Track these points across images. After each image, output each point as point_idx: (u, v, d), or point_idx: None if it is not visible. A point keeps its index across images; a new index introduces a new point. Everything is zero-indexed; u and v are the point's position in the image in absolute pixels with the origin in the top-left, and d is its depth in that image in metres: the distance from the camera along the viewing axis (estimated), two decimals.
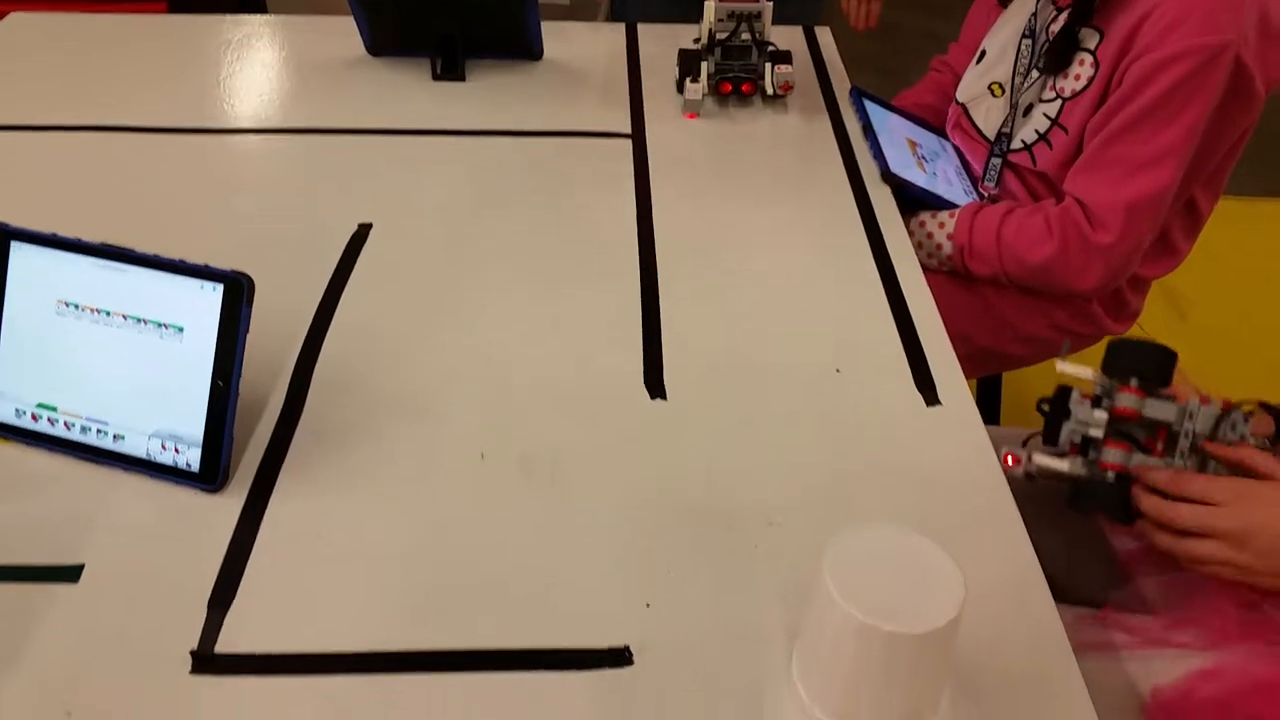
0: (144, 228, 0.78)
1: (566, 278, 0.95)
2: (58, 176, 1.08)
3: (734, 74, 1.20)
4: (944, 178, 1.16)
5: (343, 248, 0.97)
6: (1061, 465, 0.79)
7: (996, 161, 1.15)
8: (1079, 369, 0.81)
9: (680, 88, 1.23)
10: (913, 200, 1.12)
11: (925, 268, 1.09)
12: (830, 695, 0.57)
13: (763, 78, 1.21)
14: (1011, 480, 0.76)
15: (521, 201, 1.05)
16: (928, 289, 0.94)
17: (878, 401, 0.82)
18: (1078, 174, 1.06)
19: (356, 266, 0.95)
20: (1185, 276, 2.22)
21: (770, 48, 1.21)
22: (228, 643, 0.64)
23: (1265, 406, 0.77)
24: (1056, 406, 0.79)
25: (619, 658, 0.63)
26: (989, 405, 1.42)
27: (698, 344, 0.88)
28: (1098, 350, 0.83)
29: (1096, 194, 1.04)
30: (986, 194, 1.17)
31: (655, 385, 0.83)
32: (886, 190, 1.09)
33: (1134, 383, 0.78)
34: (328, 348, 0.87)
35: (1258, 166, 2.46)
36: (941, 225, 1.13)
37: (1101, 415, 0.77)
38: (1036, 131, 1.11)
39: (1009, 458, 0.79)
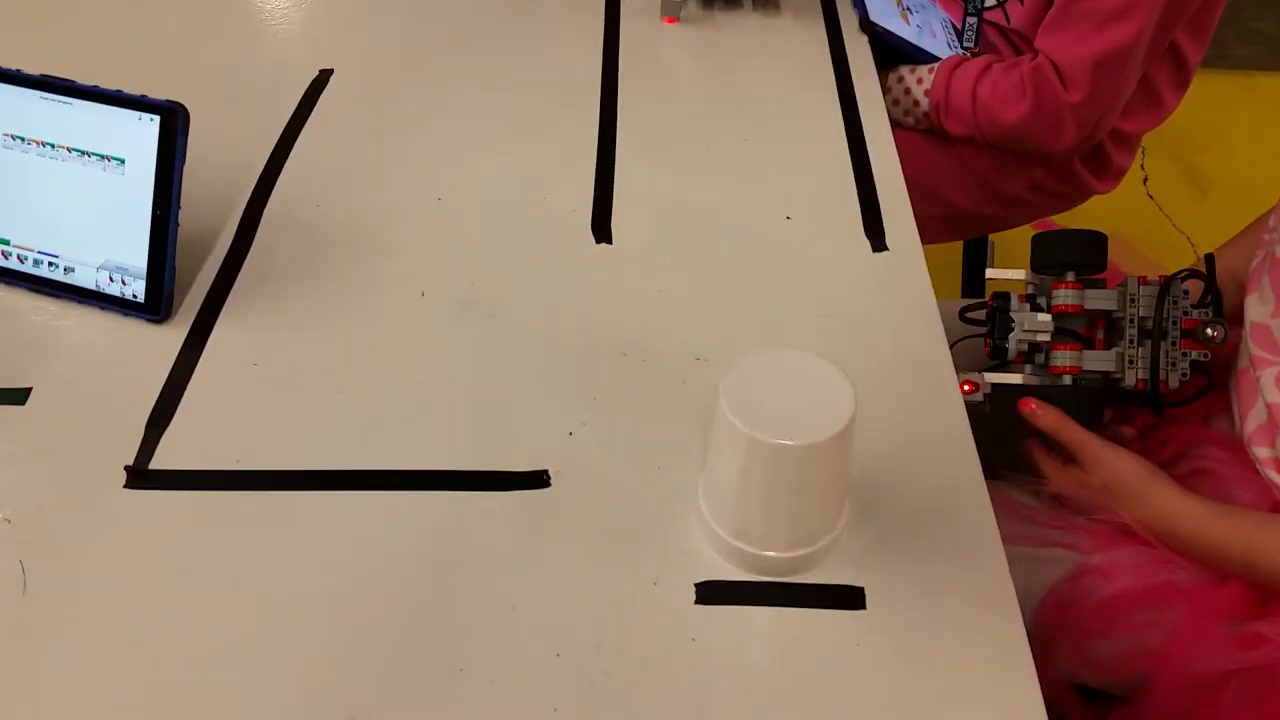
0: (97, 72, 0.77)
1: (526, 123, 0.94)
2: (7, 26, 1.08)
3: None
4: (928, 30, 1.13)
5: (302, 92, 0.97)
6: (1014, 378, 0.78)
7: (973, 20, 1.12)
8: (1008, 272, 0.80)
9: None
10: (892, 53, 1.09)
11: (901, 125, 1.07)
12: (727, 511, 0.58)
13: None
14: (971, 408, 0.73)
15: (487, 48, 1.04)
16: (892, 140, 0.92)
17: (824, 247, 0.82)
18: (1046, 31, 1.03)
19: (315, 110, 0.95)
20: (1206, 154, 2.17)
21: None
22: (163, 460, 0.66)
23: (1195, 274, 0.76)
24: (995, 318, 0.77)
25: (537, 480, 0.65)
26: (976, 267, 1.40)
27: (649, 191, 0.87)
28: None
29: (1064, 51, 1.01)
30: (969, 53, 1.14)
31: (602, 230, 0.83)
32: (863, 40, 1.06)
33: (1069, 276, 0.77)
34: (280, 187, 0.87)
35: None
36: (919, 81, 1.10)
37: (1047, 319, 0.76)
38: None
39: (965, 385, 0.77)
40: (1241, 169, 2.07)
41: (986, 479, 0.66)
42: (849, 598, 0.59)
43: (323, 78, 0.99)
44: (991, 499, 0.65)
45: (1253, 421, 0.71)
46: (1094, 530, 0.70)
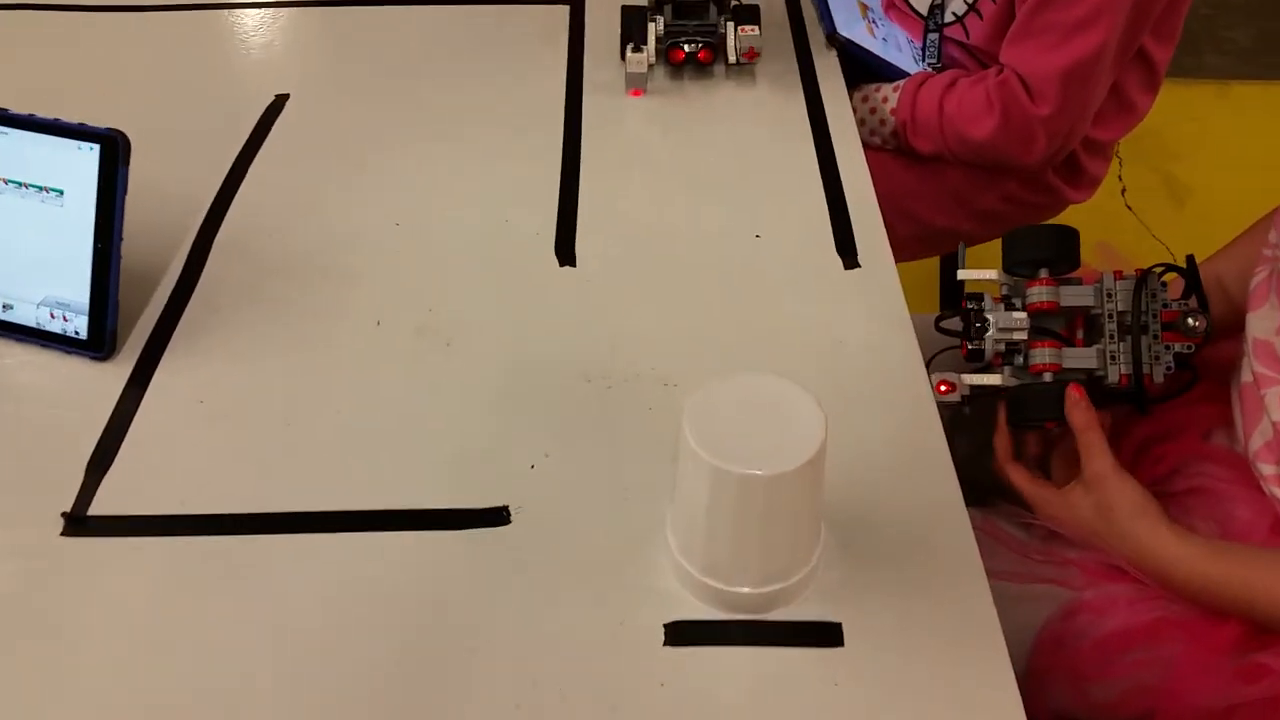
0: (39, 103, 0.74)
1: (488, 145, 0.91)
2: None
3: (688, 38, 0.96)
4: (894, 43, 1.11)
5: (257, 118, 0.94)
6: (994, 380, 0.76)
7: (934, 36, 1.10)
8: (980, 272, 0.77)
9: (623, 55, 0.97)
10: (859, 68, 1.06)
11: (868, 145, 1.05)
12: (695, 546, 0.55)
13: (724, 43, 0.98)
14: (946, 412, 0.71)
15: (449, 73, 1.01)
16: (862, 155, 0.90)
17: (795, 266, 0.79)
18: (1011, 44, 1.01)
19: (270, 137, 0.92)
20: (1182, 163, 2.17)
21: (733, 2, 0.99)
22: (103, 505, 0.63)
23: (1172, 268, 0.73)
24: (970, 319, 0.75)
25: (497, 517, 0.62)
26: (953, 279, 1.37)
27: (614, 213, 0.84)
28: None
29: (1030, 63, 0.99)
30: (933, 69, 1.12)
31: (566, 252, 0.80)
32: (832, 57, 1.03)
33: (1043, 273, 0.74)
34: (232, 216, 0.84)
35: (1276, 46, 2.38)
36: (885, 100, 1.08)
37: (1022, 316, 0.73)
38: (966, 2, 1.05)
39: (941, 386, 0.75)
40: (1217, 177, 2.06)
41: (972, 505, 0.64)
42: (826, 635, 0.56)
43: (278, 103, 0.96)
44: (978, 528, 0.62)
45: (1259, 439, 0.68)
46: (1085, 564, 0.67)
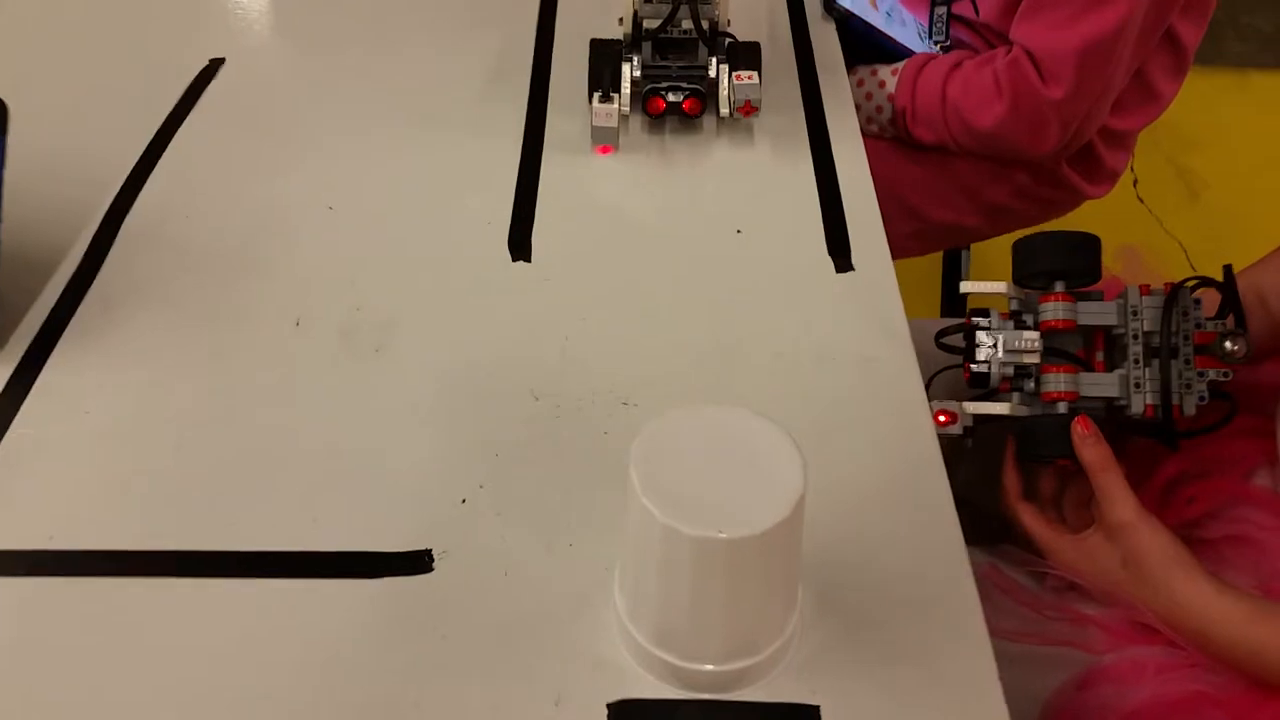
0: None
1: (440, 120, 0.81)
2: None
3: (671, 84, 0.77)
4: (899, 18, 1.01)
5: (185, 85, 0.84)
6: (1000, 409, 0.66)
7: (942, 11, 1.00)
8: (987, 285, 0.68)
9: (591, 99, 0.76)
10: (859, 45, 0.96)
11: (864, 133, 0.96)
12: (646, 613, 0.46)
13: (715, 90, 0.78)
14: (946, 441, 0.61)
15: (403, 42, 0.91)
16: (861, 144, 0.80)
17: (780, 267, 0.70)
18: (1022, 19, 0.91)
19: (197, 106, 0.82)
20: (1200, 155, 2.07)
21: (728, 40, 0.79)
22: None
23: (1207, 282, 0.64)
24: (974, 339, 0.66)
25: (418, 562, 0.52)
26: (954, 280, 1.28)
27: (576, 202, 0.74)
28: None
29: (1042, 41, 0.89)
30: (939, 48, 1.02)
31: (520, 244, 0.71)
32: (828, 30, 0.93)
33: (1058, 287, 0.65)
34: (146, 196, 0.74)
35: None
36: (882, 85, 0.98)
37: (1034, 336, 0.64)
38: None
39: (941, 416, 0.65)
40: (1234, 170, 1.97)
41: (974, 547, 0.54)
42: (801, 718, 0.47)
43: (211, 68, 0.86)
44: (982, 577, 0.53)
45: None
46: (1107, 623, 0.58)
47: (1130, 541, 0.57)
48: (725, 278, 0.69)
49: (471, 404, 0.60)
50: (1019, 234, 0.68)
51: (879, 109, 0.99)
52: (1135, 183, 1.91)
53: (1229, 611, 0.54)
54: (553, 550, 0.53)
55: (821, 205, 0.74)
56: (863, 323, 0.65)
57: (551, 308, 0.66)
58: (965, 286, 0.68)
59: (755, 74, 0.76)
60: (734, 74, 0.76)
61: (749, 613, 0.44)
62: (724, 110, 0.77)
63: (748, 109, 0.76)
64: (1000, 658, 0.49)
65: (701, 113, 0.78)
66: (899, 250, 0.72)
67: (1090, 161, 1.03)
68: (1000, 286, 0.67)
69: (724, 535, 0.40)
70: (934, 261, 1.39)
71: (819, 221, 0.72)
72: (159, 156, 0.77)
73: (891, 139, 1.01)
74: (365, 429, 0.59)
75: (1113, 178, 1.07)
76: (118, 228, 0.72)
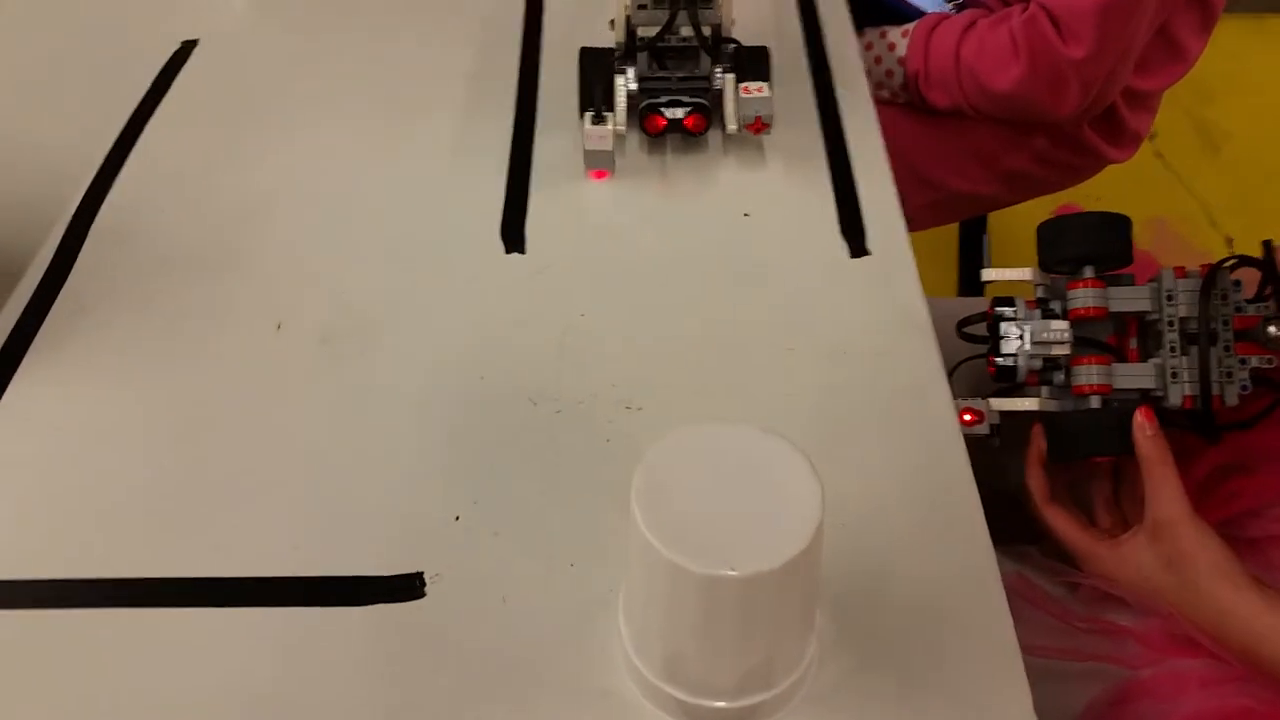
0: None
1: (428, 109, 0.77)
2: None
3: (671, 97, 0.69)
4: None
5: (157, 70, 0.80)
6: (1029, 404, 0.62)
7: None
8: (1010, 272, 0.64)
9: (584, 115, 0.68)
10: (867, 5, 0.91)
11: (876, 100, 0.91)
12: (651, 646, 0.43)
13: (719, 107, 0.69)
14: (972, 442, 0.56)
15: (388, 24, 0.86)
16: (874, 117, 0.75)
17: (790, 253, 0.65)
18: None
19: (170, 93, 0.78)
20: (1220, 106, 2.00)
21: (732, 46, 0.71)
22: None
23: (1247, 260, 0.60)
24: (997, 332, 0.62)
25: (408, 587, 0.49)
26: (972, 253, 1.24)
27: (573, 189, 0.70)
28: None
29: None
30: (953, 6, 0.97)
31: (513, 236, 0.67)
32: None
33: (1087, 272, 0.61)
34: (117, 192, 0.70)
35: None
36: (892, 47, 0.93)
37: (1063, 326, 0.60)
38: None
39: (966, 415, 0.62)
40: (1257, 119, 1.90)
41: (1001, 553, 0.51)
42: None
43: (184, 51, 0.82)
44: (1008, 588, 0.49)
45: None
46: (1146, 635, 0.54)
47: (1176, 543, 0.53)
48: (732, 264, 0.65)
49: (464, 411, 0.57)
50: (1041, 215, 0.64)
51: (889, 73, 0.94)
52: (1153, 137, 1.85)
53: (1279, 626, 0.50)
54: (553, 571, 0.50)
55: (833, 184, 0.70)
56: (880, 313, 0.61)
57: (548, 303, 0.62)
58: (988, 274, 0.65)
59: (765, 85, 0.68)
60: (741, 86, 0.68)
61: (763, 648, 0.41)
62: (730, 126, 0.68)
63: (758, 126, 0.68)
64: (1028, 672, 0.45)
65: (706, 129, 0.70)
66: (913, 223, 0.67)
67: (1113, 124, 0.98)
68: (1025, 273, 0.63)
69: (736, 573, 0.37)
70: (950, 233, 1.34)
71: (830, 202, 0.68)
72: (130, 148, 0.73)
73: (903, 105, 0.97)
74: (350, 441, 0.55)
75: (1136, 140, 1.02)
76: (88, 227, 0.68)
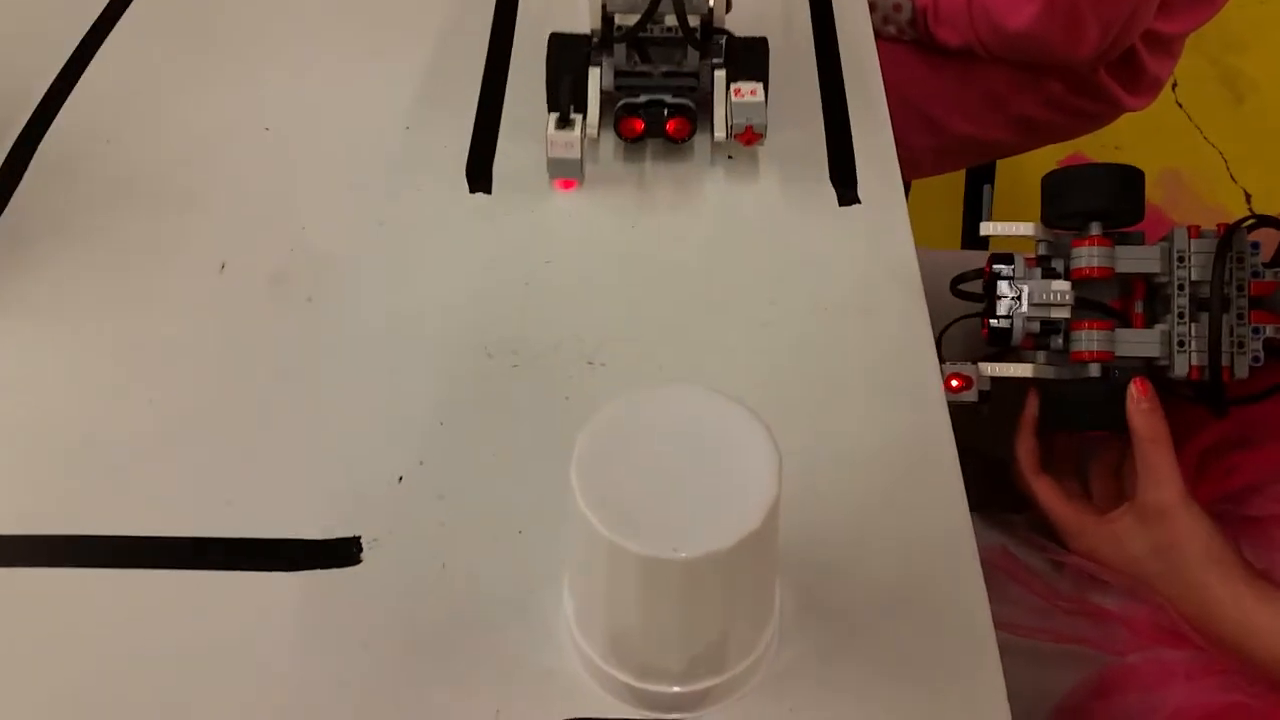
0: None
1: (391, 27, 0.72)
2: None
3: (652, 98, 0.59)
4: None
5: None
6: (1023, 370, 0.58)
7: None
8: (1012, 226, 0.59)
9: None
10: None
11: (880, 36, 0.86)
12: (594, 627, 0.39)
13: (709, 108, 0.59)
14: (958, 410, 0.52)
15: None
16: (874, 51, 0.70)
17: (774, 199, 0.61)
18: None
19: (124, 18, 0.73)
20: (1245, 54, 1.92)
21: (722, 38, 0.59)
22: None
23: (1266, 220, 0.55)
24: (993, 291, 0.57)
25: (343, 552, 0.46)
26: (978, 203, 1.19)
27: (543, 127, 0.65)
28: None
29: None
30: None
31: (479, 174, 0.62)
32: None
33: (1094, 229, 0.56)
34: (63, 120, 0.66)
35: None
36: None
37: (1064, 287, 0.56)
38: None
39: (954, 380, 0.58)
40: None
41: (984, 520, 0.47)
42: None
43: None
44: (989, 562, 0.46)
45: None
46: (1134, 620, 0.50)
47: (1167, 529, 0.50)
48: (711, 210, 0.60)
49: (415, 362, 0.53)
50: (1052, 165, 0.60)
51: (897, 7, 0.89)
52: (1174, 85, 1.78)
53: (1272, 625, 0.47)
54: (500, 539, 0.46)
55: (825, 127, 0.65)
56: (869, 266, 0.57)
57: (513, 246, 0.58)
58: (986, 228, 0.60)
59: (760, 86, 0.57)
60: (733, 86, 0.57)
61: (712, 632, 0.38)
62: (719, 134, 0.59)
63: (749, 136, 0.58)
64: (1007, 652, 0.42)
65: (691, 135, 0.60)
66: (915, 168, 0.63)
67: (1132, 69, 0.93)
68: (1027, 228, 0.58)
69: (681, 555, 0.33)
70: (957, 181, 1.28)
71: (822, 146, 0.63)
72: (79, 75, 0.69)
73: (910, 42, 0.91)
74: (289, 394, 0.52)
75: (1155, 87, 0.96)
76: (31, 155, 0.64)
